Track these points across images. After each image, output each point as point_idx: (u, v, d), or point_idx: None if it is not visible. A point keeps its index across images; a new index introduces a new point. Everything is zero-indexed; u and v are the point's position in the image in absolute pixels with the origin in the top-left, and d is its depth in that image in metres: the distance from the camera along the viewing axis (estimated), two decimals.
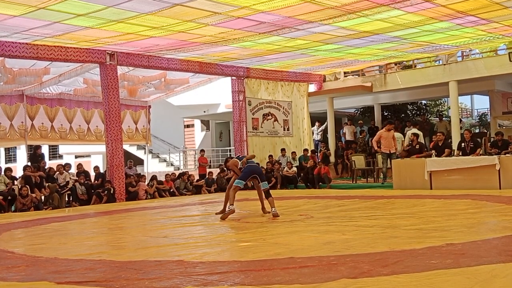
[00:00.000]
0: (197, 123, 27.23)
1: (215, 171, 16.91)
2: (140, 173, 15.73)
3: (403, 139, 15.15)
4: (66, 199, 13.38)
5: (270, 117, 17.54)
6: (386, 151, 13.57)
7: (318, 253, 4.72)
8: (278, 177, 15.35)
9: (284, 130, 17.98)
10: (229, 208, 7.94)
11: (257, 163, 8.88)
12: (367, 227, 6.35)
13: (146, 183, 14.64)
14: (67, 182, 13.37)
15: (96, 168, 15.29)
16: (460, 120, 19.23)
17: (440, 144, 12.73)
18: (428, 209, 8.16)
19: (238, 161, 8.45)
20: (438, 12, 10.66)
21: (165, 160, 25.71)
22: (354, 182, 15.21)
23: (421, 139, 14.12)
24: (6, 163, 31.00)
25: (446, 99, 25.94)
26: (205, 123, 27.03)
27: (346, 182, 15.61)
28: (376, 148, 13.72)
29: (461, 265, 3.88)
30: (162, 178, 15.40)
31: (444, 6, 10.20)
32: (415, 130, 14.85)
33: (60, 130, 16.17)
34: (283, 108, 17.99)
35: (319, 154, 17.61)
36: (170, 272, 4.20)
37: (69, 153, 27.14)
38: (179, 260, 4.71)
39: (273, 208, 8.01)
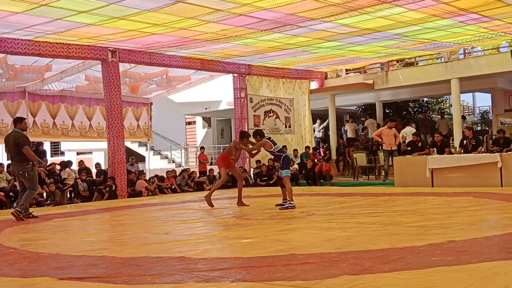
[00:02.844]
0: (199, 120, 27.25)
1: (217, 168, 16.86)
2: (142, 170, 15.74)
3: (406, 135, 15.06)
4: (68, 195, 13.41)
5: (271, 114, 17.53)
6: (387, 148, 13.59)
7: (320, 249, 4.72)
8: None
9: (285, 127, 17.97)
10: (290, 203, 8.54)
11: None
12: (368, 224, 6.36)
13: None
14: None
15: (97, 165, 15.30)
16: (464, 118, 19.22)
17: (439, 144, 12.73)
18: (429, 206, 8.17)
19: (272, 145, 8.57)
20: (440, 10, 10.64)
21: (166, 157, 25.72)
22: (355, 179, 15.21)
23: None
24: (8, 159, 30.97)
25: (448, 96, 25.91)
26: (207, 120, 27.04)
27: (347, 180, 15.62)
28: (377, 139, 13.71)
29: (462, 262, 3.89)
30: (164, 175, 15.40)
31: (446, 3, 10.18)
32: (411, 129, 14.82)
33: (62, 126, 16.18)
34: (285, 105, 17.98)
35: (320, 151, 17.64)
36: (171, 268, 4.20)
37: (70, 150, 27.16)
38: (180, 256, 4.72)
39: (285, 200, 8.75)
